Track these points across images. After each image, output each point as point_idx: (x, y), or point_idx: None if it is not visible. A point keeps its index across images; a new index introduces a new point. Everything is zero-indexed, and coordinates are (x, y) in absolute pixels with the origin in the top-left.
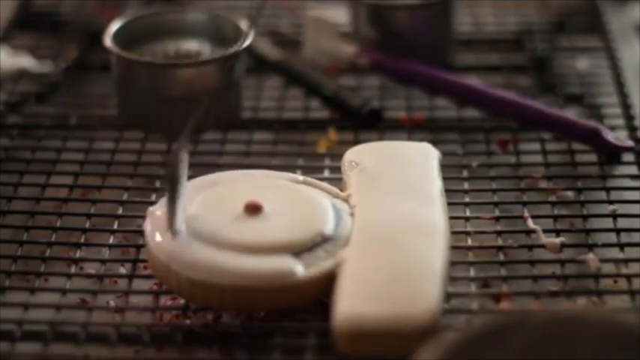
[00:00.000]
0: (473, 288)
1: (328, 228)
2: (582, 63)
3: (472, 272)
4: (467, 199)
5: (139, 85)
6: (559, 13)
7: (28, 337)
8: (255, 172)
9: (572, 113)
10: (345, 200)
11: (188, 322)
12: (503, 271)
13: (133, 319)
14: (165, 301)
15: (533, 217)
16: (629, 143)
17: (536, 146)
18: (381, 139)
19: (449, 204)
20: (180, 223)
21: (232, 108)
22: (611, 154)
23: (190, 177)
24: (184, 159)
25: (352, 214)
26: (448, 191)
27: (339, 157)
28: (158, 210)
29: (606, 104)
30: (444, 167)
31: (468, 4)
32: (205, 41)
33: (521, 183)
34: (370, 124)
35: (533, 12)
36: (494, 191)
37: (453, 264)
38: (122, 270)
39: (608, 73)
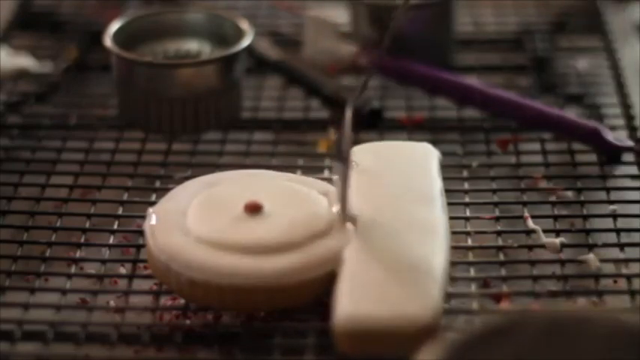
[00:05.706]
0: (473, 288)
1: (328, 228)
2: (582, 63)
3: (472, 272)
4: (467, 199)
5: (139, 85)
6: (559, 13)
7: (28, 337)
8: (255, 172)
9: (572, 113)
10: None
11: (188, 322)
12: (503, 271)
13: (133, 319)
14: (165, 301)
15: (533, 217)
16: (629, 143)
17: (536, 146)
18: (381, 139)
19: (449, 204)
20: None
21: (232, 108)
22: (611, 154)
23: (190, 177)
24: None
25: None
26: (448, 191)
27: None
28: (158, 210)
29: (606, 104)
30: (444, 167)
31: (468, 4)
32: (205, 41)
33: (521, 183)
34: (370, 124)
35: (533, 12)
36: (494, 191)
37: (453, 264)
38: (122, 270)
39: (608, 73)
